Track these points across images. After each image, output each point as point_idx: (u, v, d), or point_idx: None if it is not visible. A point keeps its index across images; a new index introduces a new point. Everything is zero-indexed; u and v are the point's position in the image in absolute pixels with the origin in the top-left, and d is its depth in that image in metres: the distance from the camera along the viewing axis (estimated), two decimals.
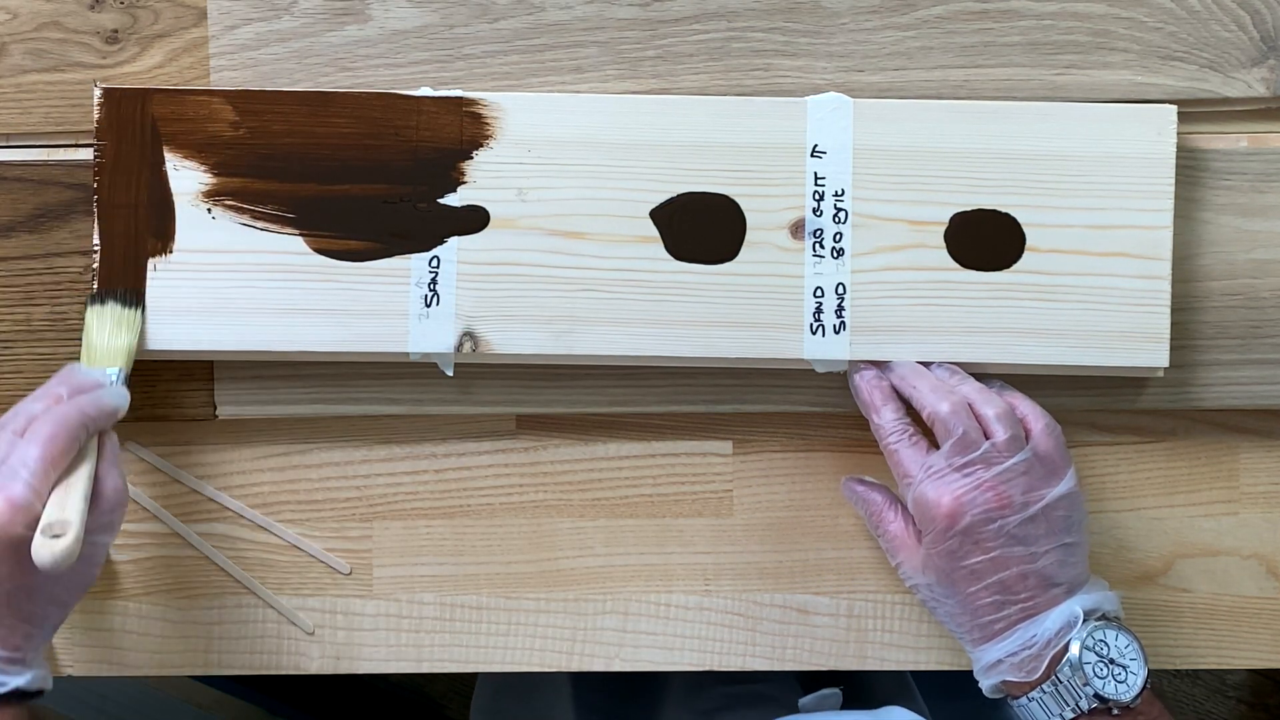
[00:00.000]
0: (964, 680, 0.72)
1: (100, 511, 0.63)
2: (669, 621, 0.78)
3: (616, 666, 0.78)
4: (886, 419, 0.70)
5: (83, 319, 0.72)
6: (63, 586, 0.63)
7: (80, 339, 0.71)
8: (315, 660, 0.78)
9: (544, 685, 0.95)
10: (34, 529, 0.59)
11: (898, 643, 0.78)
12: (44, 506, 0.60)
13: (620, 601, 0.78)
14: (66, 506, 0.60)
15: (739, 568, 0.78)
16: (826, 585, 0.78)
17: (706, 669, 0.78)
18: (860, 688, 0.90)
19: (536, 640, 0.78)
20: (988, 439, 0.67)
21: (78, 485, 0.61)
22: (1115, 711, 0.66)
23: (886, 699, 0.90)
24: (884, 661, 0.78)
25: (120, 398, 0.67)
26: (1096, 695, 0.66)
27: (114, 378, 0.68)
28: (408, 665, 0.78)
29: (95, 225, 0.71)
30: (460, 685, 1.59)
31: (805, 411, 0.76)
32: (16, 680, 0.61)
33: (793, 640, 0.78)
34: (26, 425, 0.62)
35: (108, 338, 0.69)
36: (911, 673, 0.94)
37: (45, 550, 0.58)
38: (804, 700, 0.85)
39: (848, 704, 0.86)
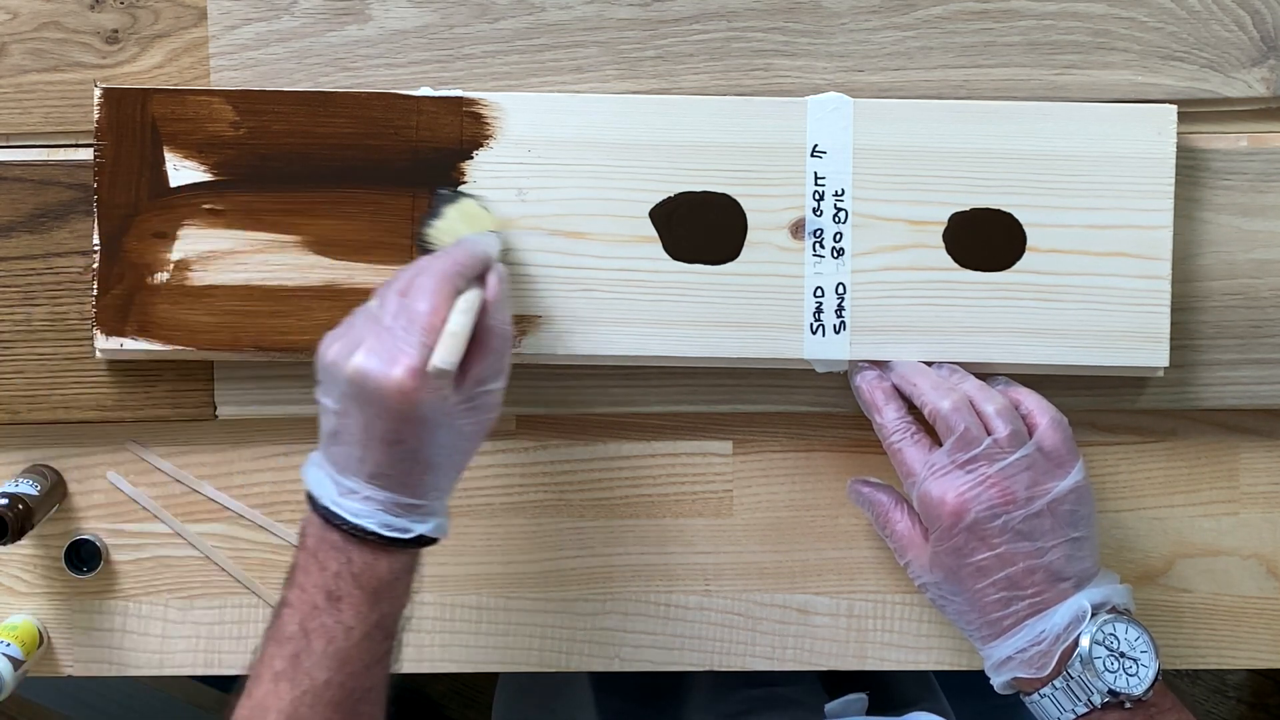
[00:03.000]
0: (987, 680, 0.72)
1: (486, 351, 0.62)
2: (669, 621, 0.78)
3: (616, 666, 0.78)
4: (889, 418, 0.70)
5: (83, 319, 0.73)
6: (462, 433, 0.63)
7: (77, 340, 0.71)
8: None
9: (565, 689, 0.95)
10: (431, 384, 0.59)
11: (898, 643, 0.78)
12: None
13: (620, 601, 0.78)
14: (449, 324, 0.60)
15: (739, 568, 0.78)
16: (826, 585, 0.78)
17: (706, 669, 0.78)
18: (883, 690, 0.90)
19: (536, 640, 0.78)
20: (990, 435, 0.67)
21: (459, 314, 0.61)
22: (1128, 705, 0.66)
23: (910, 701, 0.90)
24: (884, 661, 0.78)
25: (490, 241, 0.67)
26: (1108, 690, 0.66)
27: (490, 231, 0.68)
28: (408, 665, 0.78)
29: (95, 225, 0.71)
30: (460, 685, 1.59)
31: (805, 411, 0.76)
32: (421, 527, 0.62)
33: (793, 640, 0.78)
34: (410, 283, 0.61)
35: (465, 225, 0.69)
36: (935, 673, 0.94)
37: (433, 363, 0.59)
38: (830, 705, 0.85)
39: (872, 708, 0.86)
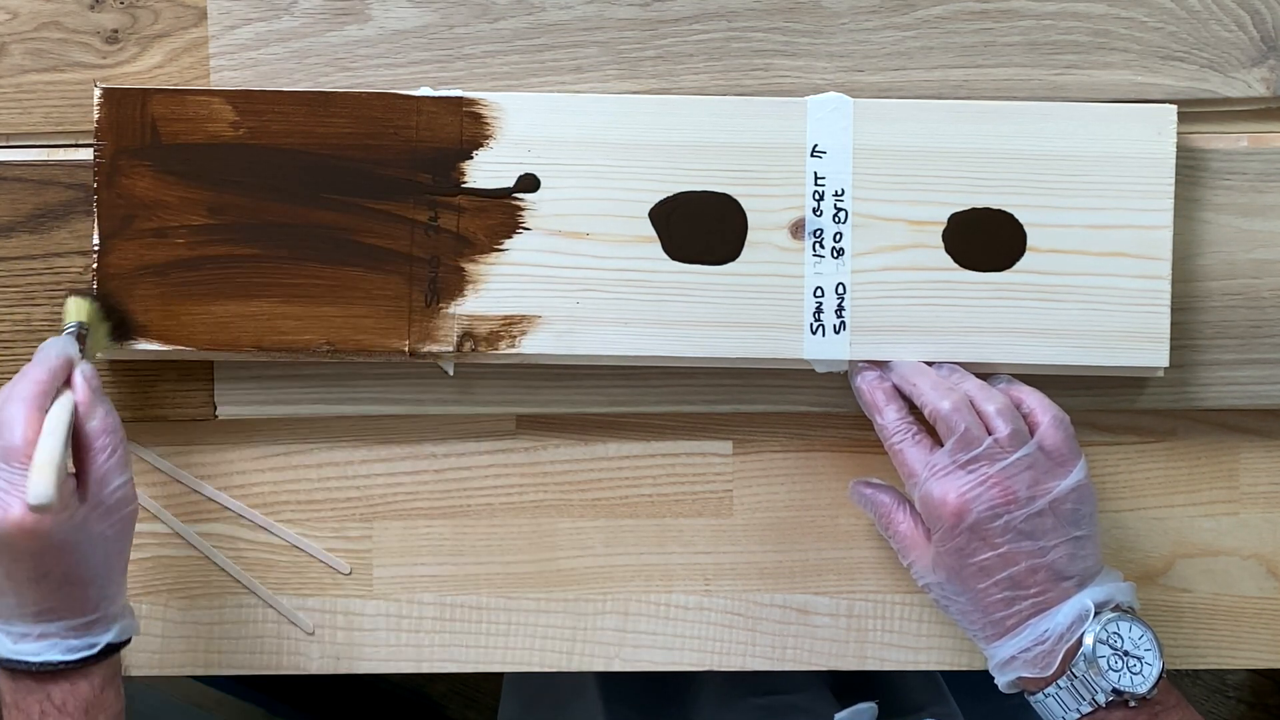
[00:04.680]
0: (994, 681, 0.72)
1: (96, 451, 0.62)
2: (669, 621, 0.78)
3: (616, 666, 0.78)
4: (890, 419, 0.70)
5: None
6: (106, 538, 0.63)
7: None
8: (315, 660, 0.78)
9: (574, 697, 0.95)
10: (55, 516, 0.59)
11: (898, 643, 0.78)
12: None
13: (620, 601, 0.78)
14: (36, 455, 0.59)
15: (739, 568, 0.78)
16: (826, 585, 0.78)
17: (706, 669, 0.78)
18: (891, 695, 0.90)
19: (536, 640, 0.78)
20: (990, 434, 0.67)
21: (45, 438, 0.60)
22: (1132, 704, 0.66)
23: (919, 706, 0.90)
24: (884, 661, 0.78)
25: (65, 342, 0.65)
26: (1113, 689, 0.66)
27: (69, 329, 0.67)
28: (408, 665, 0.78)
29: (95, 225, 0.71)
30: (460, 686, 1.59)
31: (805, 411, 0.76)
32: (106, 636, 0.63)
33: (793, 640, 0.78)
34: None
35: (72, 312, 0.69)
36: (944, 675, 0.93)
37: (29, 500, 0.58)
38: (840, 716, 0.85)
39: (881, 715, 0.86)
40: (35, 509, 0.58)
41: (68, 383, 0.63)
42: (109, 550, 0.64)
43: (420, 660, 0.78)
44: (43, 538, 0.59)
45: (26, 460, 0.59)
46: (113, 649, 0.64)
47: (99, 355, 0.71)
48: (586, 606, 0.78)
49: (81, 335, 0.67)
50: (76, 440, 0.63)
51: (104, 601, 0.64)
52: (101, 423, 0.63)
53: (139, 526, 0.77)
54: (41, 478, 0.58)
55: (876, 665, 0.78)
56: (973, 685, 0.74)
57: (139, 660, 0.78)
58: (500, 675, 1.04)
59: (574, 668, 0.78)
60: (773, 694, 0.88)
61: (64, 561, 0.61)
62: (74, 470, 0.63)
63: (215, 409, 0.75)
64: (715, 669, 0.78)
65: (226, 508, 0.77)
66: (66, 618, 0.62)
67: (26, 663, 0.62)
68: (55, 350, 0.64)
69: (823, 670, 0.88)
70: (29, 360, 0.74)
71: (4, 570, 0.60)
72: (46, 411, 0.61)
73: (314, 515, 0.77)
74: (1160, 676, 0.66)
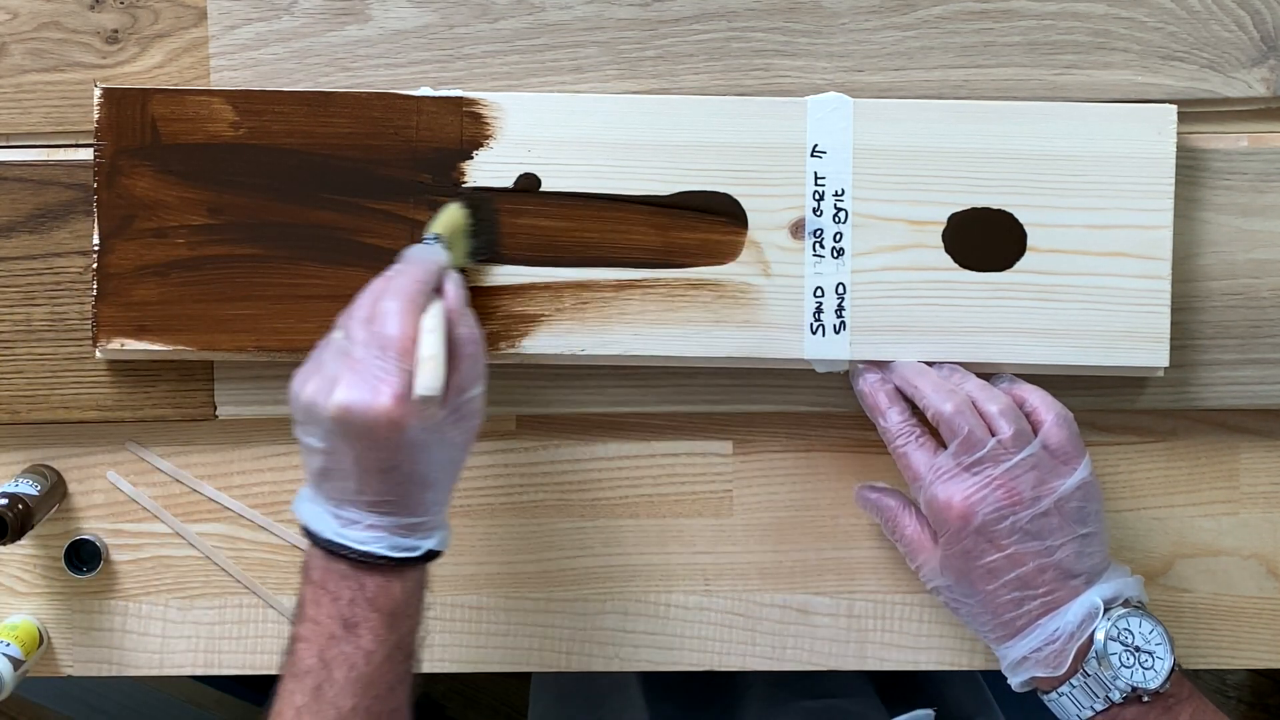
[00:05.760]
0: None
1: (460, 359, 0.62)
2: (669, 621, 0.78)
3: (616, 666, 0.78)
4: (893, 421, 0.70)
5: (83, 319, 0.74)
6: (454, 445, 0.63)
7: (77, 340, 0.71)
8: None
9: (614, 693, 0.94)
10: (419, 408, 0.59)
11: (898, 643, 0.78)
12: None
13: (620, 601, 0.78)
14: (423, 348, 0.60)
15: (739, 568, 0.78)
16: (826, 585, 0.78)
17: (706, 669, 0.78)
18: (939, 701, 0.89)
19: (536, 640, 0.78)
20: (994, 435, 0.67)
21: (429, 334, 0.61)
22: (1145, 699, 0.66)
23: (967, 715, 0.90)
24: (884, 661, 0.78)
25: (436, 251, 0.66)
26: (1125, 685, 0.66)
27: (432, 240, 0.67)
28: None
29: (95, 225, 0.71)
30: (461, 685, 1.59)
31: (805, 411, 0.76)
32: (428, 542, 0.63)
33: (793, 640, 0.78)
34: (374, 310, 0.61)
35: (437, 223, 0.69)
36: (988, 682, 0.93)
37: (418, 390, 0.59)
38: None
39: None
40: (424, 400, 0.58)
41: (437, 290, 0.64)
42: (452, 457, 0.63)
43: (420, 660, 0.78)
44: (403, 431, 0.59)
45: (402, 354, 0.59)
46: (431, 556, 0.63)
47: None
48: (586, 606, 0.78)
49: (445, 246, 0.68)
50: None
51: (434, 506, 0.63)
52: (469, 331, 0.63)
53: (139, 526, 0.77)
54: (432, 369, 0.59)
55: (876, 665, 0.78)
56: (1021, 696, 0.74)
57: (139, 660, 0.78)
58: (499, 675, 1.04)
59: (574, 668, 0.78)
60: (823, 697, 0.88)
61: (413, 459, 0.60)
62: None
63: (215, 409, 0.75)
64: (715, 669, 0.78)
65: (226, 508, 0.77)
66: (398, 515, 0.61)
67: (350, 549, 0.61)
68: (427, 255, 0.65)
69: (871, 673, 0.88)
70: (28, 359, 0.74)
71: (355, 455, 0.60)
72: (422, 310, 0.61)
73: None
74: (1172, 670, 0.66)
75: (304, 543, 0.63)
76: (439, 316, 0.61)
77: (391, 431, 0.59)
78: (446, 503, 0.65)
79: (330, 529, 0.61)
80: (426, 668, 0.78)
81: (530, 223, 0.71)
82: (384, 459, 0.60)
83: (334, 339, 0.62)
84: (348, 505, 0.61)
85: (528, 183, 0.71)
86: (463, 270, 0.69)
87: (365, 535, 0.61)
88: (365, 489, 0.61)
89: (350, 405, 0.58)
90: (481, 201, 0.71)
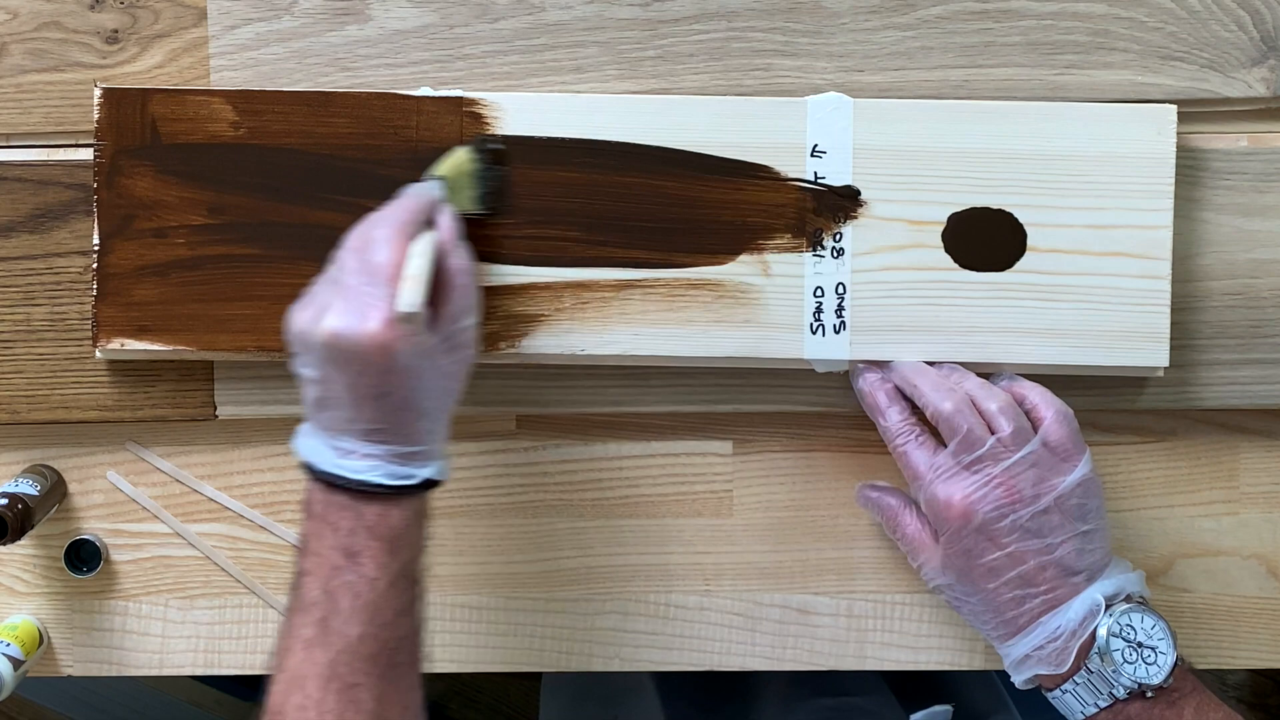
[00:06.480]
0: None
1: (451, 289, 0.63)
2: (669, 621, 0.78)
3: (615, 666, 0.78)
4: (893, 420, 0.70)
5: (83, 319, 0.74)
6: (446, 374, 0.64)
7: (77, 340, 0.71)
8: None
9: (628, 693, 0.94)
10: (406, 331, 0.60)
11: (898, 643, 0.78)
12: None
13: (620, 601, 0.78)
14: (407, 269, 0.61)
15: (739, 568, 0.78)
16: (826, 585, 0.78)
17: (706, 669, 0.78)
18: (954, 700, 0.89)
19: (536, 640, 0.78)
20: (993, 434, 0.67)
21: (415, 258, 0.61)
22: (1149, 694, 0.66)
23: (982, 714, 0.90)
24: (883, 661, 0.78)
25: (433, 187, 0.67)
26: (1129, 681, 0.66)
27: (432, 180, 0.68)
28: None
29: (95, 225, 0.71)
30: (460, 685, 1.59)
31: (805, 411, 0.76)
32: (425, 471, 0.63)
33: (792, 640, 0.78)
34: (364, 239, 0.62)
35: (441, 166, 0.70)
36: (1006, 685, 0.93)
37: (397, 307, 0.59)
38: (915, 717, 0.85)
39: None
40: (402, 318, 0.59)
41: (430, 224, 0.65)
42: (445, 386, 0.64)
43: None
44: (393, 356, 0.59)
45: (389, 279, 0.60)
46: (429, 485, 0.64)
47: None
48: (586, 606, 0.78)
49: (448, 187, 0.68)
50: (434, 275, 0.63)
51: (429, 436, 0.63)
52: (460, 262, 0.64)
53: (139, 526, 0.77)
54: (413, 286, 0.60)
55: (876, 665, 0.78)
56: (1035, 695, 0.74)
57: (139, 660, 0.78)
58: (499, 675, 1.04)
59: (574, 668, 0.78)
60: (839, 695, 0.88)
61: (405, 385, 0.61)
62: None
63: (215, 409, 0.75)
64: (715, 669, 0.78)
65: (226, 508, 0.77)
66: (393, 443, 0.62)
67: (347, 479, 0.61)
68: (423, 190, 0.66)
69: (887, 673, 0.88)
70: (28, 359, 0.74)
71: (348, 382, 0.60)
72: (411, 239, 0.62)
73: None
74: (1175, 665, 0.66)
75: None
76: (428, 243, 0.62)
77: (381, 356, 0.59)
78: (443, 434, 0.65)
79: (328, 461, 0.62)
80: (426, 667, 0.78)
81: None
82: (375, 385, 0.60)
83: (327, 271, 0.63)
84: (343, 435, 0.62)
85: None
86: (470, 217, 0.69)
87: (361, 464, 0.61)
88: (359, 417, 0.61)
89: (339, 330, 0.59)
90: (495, 151, 0.70)
